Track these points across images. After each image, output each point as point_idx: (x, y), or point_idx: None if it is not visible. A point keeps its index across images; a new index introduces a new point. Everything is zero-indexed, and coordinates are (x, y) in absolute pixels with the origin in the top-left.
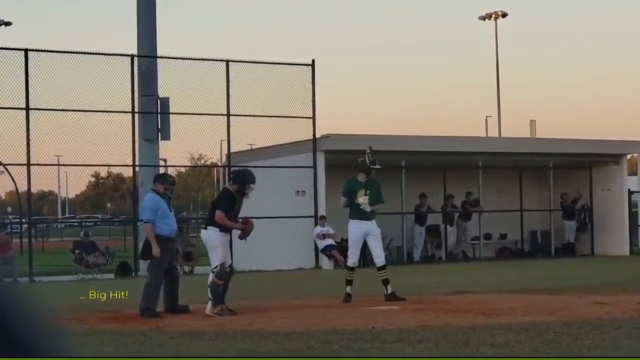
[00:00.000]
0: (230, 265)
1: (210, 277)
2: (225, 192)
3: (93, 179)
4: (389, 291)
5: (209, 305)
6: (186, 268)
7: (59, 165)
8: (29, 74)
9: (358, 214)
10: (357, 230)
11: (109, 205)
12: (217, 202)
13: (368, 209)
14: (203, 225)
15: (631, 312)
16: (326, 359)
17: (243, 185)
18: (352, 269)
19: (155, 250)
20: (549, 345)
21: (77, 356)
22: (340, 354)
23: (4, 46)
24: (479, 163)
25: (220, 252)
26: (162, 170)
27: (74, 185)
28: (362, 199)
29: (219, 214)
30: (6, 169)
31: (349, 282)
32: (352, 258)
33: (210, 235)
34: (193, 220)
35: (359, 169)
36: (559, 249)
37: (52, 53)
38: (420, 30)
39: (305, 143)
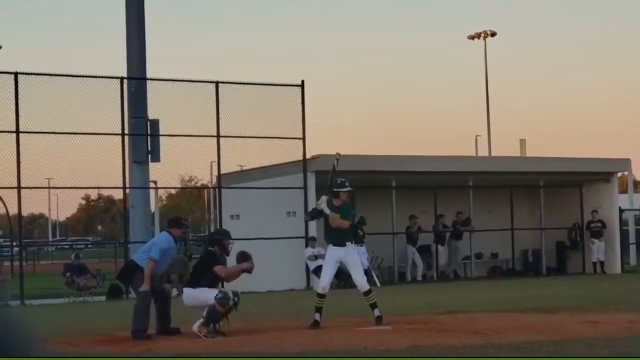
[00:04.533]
0: (237, 296)
1: (213, 300)
2: (207, 252)
3: (83, 202)
4: (376, 315)
5: (199, 322)
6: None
7: (49, 188)
8: (19, 97)
9: (332, 238)
10: (330, 254)
11: (99, 227)
12: (203, 264)
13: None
14: (185, 287)
15: (623, 330)
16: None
17: (222, 244)
18: (321, 295)
19: (145, 287)
20: None
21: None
22: None
23: None
24: (469, 182)
25: (211, 292)
26: (152, 192)
27: (65, 207)
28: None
29: (218, 268)
30: None
31: (317, 309)
32: (323, 282)
33: (189, 294)
34: (191, 241)
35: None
36: (550, 268)
37: (41, 76)
38: (409, 50)
39: (296, 164)
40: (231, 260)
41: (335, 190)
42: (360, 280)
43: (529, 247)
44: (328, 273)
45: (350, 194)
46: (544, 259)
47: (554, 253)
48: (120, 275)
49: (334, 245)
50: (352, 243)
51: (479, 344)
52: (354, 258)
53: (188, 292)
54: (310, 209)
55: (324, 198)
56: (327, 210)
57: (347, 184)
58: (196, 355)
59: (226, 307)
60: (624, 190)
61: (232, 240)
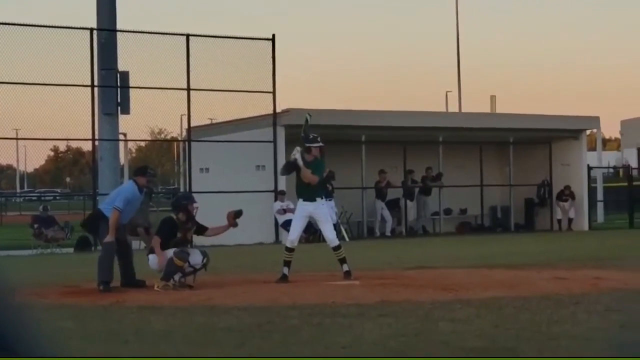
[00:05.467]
0: (207, 256)
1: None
2: (166, 219)
3: (52, 153)
4: (345, 269)
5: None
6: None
7: (17, 139)
8: None
9: (302, 193)
10: (300, 209)
11: (68, 179)
12: (165, 231)
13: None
14: (149, 254)
15: (589, 287)
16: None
17: (187, 209)
18: (290, 249)
19: (110, 238)
20: (508, 320)
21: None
22: (300, 329)
23: None
24: (439, 138)
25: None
26: (121, 145)
27: (33, 159)
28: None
29: (154, 239)
30: None
31: (286, 263)
32: (291, 236)
33: (153, 259)
34: (152, 195)
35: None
36: (519, 224)
37: (9, 26)
38: (380, 3)
39: (266, 118)
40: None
41: (307, 145)
42: (329, 235)
43: (498, 204)
44: (297, 227)
45: (322, 149)
46: (513, 215)
47: (522, 210)
48: (87, 224)
49: (304, 200)
50: (322, 198)
51: (447, 300)
52: (324, 213)
53: (152, 257)
54: (280, 163)
55: (298, 149)
56: (300, 162)
57: (319, 139)
58: (163, 307)
59: (184, 260)
60: (592, 148)
61: (196, 204)
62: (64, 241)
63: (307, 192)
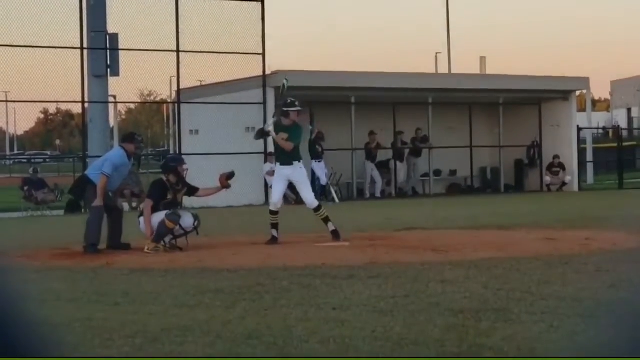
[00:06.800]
0: (198, 219)
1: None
2: (156, 182)
3: (42, 116)
4: (331, 229)
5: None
6: (134, 204)
7: (7, 101)
8: None
9: (280, 157)
10: (278, 173)
11: (58, 142)
12: (155, 193)
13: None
14: (139, 217)
15: (579, 247)
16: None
17: (176, 171)
18: (274, 212)
19: (99, 202)
20: (498, 281)
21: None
22: (290, 291)
23: None
24: (428, 99)
25: (163, 213)
26: (111, 107)
27: (23, 121)
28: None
29: (146, 202)
30: None
31: (274, 226)
32: (274, 199)
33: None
34: (142, 157)
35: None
36: (508, 186)
37: None
38: None
39: (255, 79)
40: (200, 175)
41: (285, 109)
42: (308, 198)
43: (488, 165)
44: (278, 190)
45: (299, 113)
46: (503, 176)
47: (512, 171)
48: (73, 190)
49: (281, 164)
50: (299, 162)
51: (437, 261)
52: (301, 176)
53: (142, 220)
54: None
55: (272, 121)
56: (273, 134)
57: (296, 103)
58: (153, 269)
59: (175, 222)
60: (582, 109)
61: (185, 166)
62: (54, 203)
63: (285, 156)
